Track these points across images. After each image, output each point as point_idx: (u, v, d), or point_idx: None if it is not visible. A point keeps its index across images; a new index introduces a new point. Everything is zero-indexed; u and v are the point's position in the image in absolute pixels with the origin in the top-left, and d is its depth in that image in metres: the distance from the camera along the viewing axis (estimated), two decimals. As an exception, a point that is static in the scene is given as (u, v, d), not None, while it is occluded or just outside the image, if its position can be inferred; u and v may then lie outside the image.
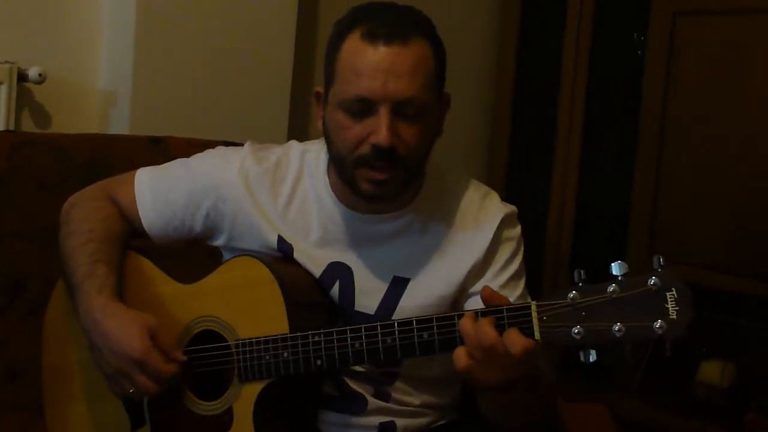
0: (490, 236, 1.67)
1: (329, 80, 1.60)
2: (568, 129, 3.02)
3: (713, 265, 2.64)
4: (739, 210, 2.61)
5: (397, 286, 1.67)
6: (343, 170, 1.61)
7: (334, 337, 1.54)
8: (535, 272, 2.98)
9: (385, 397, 1.69)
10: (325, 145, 1.66)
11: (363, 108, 1.54)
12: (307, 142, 1.77)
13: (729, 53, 2.63)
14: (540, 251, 3.03)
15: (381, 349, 1.51)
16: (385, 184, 1.57)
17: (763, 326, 2.65)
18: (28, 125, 2.43)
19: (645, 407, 2.62)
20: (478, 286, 1.65)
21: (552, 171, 3.06)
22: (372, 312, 1.66)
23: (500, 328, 1.41)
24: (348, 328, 1.54)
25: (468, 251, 1.66)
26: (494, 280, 1.66)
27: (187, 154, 1.81)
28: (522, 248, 1.71)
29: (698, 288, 2.46)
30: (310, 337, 1.55)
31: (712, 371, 2.65)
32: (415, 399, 1.71)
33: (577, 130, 3.00)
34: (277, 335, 1.57)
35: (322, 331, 1.55)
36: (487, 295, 1.46)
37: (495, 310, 1.44)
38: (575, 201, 3.02)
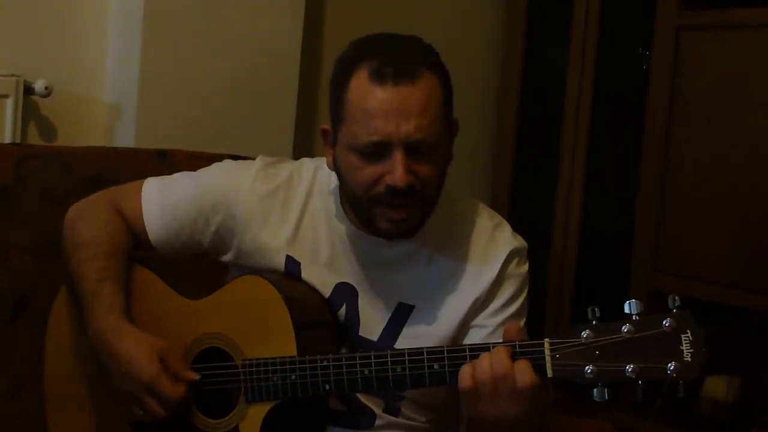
0: (496, 271, 1.65)
1: (338, 120, 1.59)
2: (573, 143, 3.02)
3: (718, 280, 2.63)
4: (744, 224, 2.60)
5: (401, 313, 1.66)
6: (360, 208, 1.60)
7: (343, 363, 1.53)
8: (539, 290, 2.98)
9: (395, 411, 1.68)
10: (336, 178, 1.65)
11: (376, 151, 1.53)
12: (319, 158, 1.75)
13: (733, 68, 2.63)
14: (544, 268, 3.02)
15: (391, 377, 1.50)
16: (404, 222, 1.57)
17: (768, 341, 2.64)
18: (34, 138, 2.43)
19: (649, 423, 2.61)
20: (477, 321, 1.65)
21: (556, 186, 3.05)
22: (375, 339, 1.66)
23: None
24: (357, 354, 1.53)
25: (473, 284, 1.65)
26: (494, 317, 1.64)
27: (193, 168, 1.80)
28: (527, 287, 1.69)
29: (703, 303, 2.49)
30: (319, 362, 1.54)
31: (716, 386, 2.63)
32: (423, 416, 1.70)
33: (581, 145, 3.00)
34: (285, 357, 1.56)
35: (330, 356, 1.54)
36: (510, 332, 1.46)
37: (507, 344, 1.43)
38: (580, 216, 3.02)
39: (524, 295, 1.68)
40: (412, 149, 1.53)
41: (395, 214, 1.56)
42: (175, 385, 1.57)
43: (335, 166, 1.62)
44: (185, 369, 1.60)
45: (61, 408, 1.77)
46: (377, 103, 1.52)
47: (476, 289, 1.64)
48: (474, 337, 1.63)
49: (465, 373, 1.42)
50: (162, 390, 1.55)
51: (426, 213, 1.61)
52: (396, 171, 1.51)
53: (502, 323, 1.63)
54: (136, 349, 1.57)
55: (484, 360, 1.41)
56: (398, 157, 1.52)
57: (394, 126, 1.51)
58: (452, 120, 1.63)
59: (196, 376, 1.59)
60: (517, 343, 1.43)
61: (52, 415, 1.78)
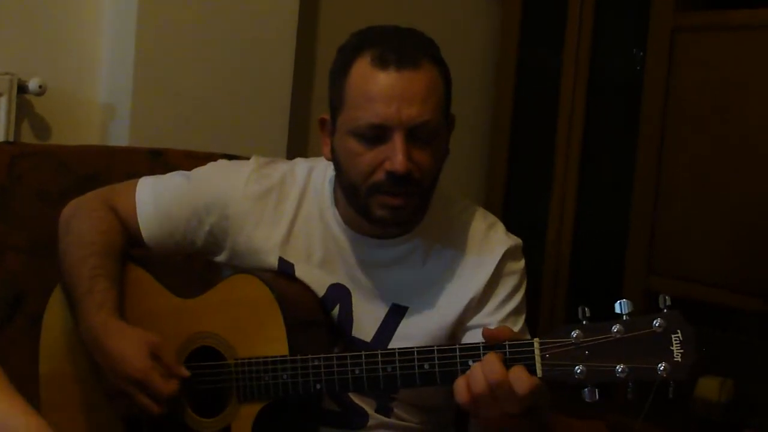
0: (492, 270, 1.64)
1: (337, 107, 1.58)
2: (567, 145, 3.02)
3: (712, 281, 2.63)
4: (738, 226, 2.61)
5: (395, 314, 1.65)
6: (356, 198, 1.58)
7: (334, 362, 1.52)
8: (534, 291, 2.97)
9: (387, 412, 1.68)
10: (333, 168, 1.64)
11: (376, 134, 1.52)
12: (313, 158, 1.75)
13: (728, 69, 2.63)
14: (538, 269, 3.02)
15: (381, 377, 1.50)
16: (401, 209, 1.56)
17: (762, 342, 2.64)
18: (28, 137, 2.42)
19: (642, 424, 2.62)
20: (476, 320, 1.64)
21: (551, 187, 3.05)
22: (368, 339, 1.66)
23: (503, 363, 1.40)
24: (348, 354, 1.53)
25: (468, 284, 1.64)
26: (493, 314, 1.64)
27: (187, 167, 1.80)
28: (524, 283, 1.68)
29: (697, 304, 2.48)
30: (310, 361, 1.54)
31: (710, 387, 2.64)
32: (415, 417, 1.70)
33: (575, 146, 3.00)
34: (276, 357, 1.56)
35: (321, 356, 1.54)
36: (488, 336, 1.44)
37: (497, 345, 1.42)
38: (574, 217, 3.02)
39: (523, 290, 1.68)
40: (413, 135, 1.52)
41: (393, 200, 1.55)
42: (167, 382, 1.56)
43: (333, 156, 1.61)
44: (177, 365, 1.59)
45: (55, 407, 1.76)
46: (379, 87, 1.52)
47: (471, 288, 1.64)
48: (477, 336, 1.62)
49: (460, 388, 1.40)
50: (154, 386, 1.55)
51: (421, 205, 1.61)
52: (396, 156, 1.51)
53: (504, 320, 1.63)
54: (127, 346, 1.56)
55: (477, 372, 1.39)
56: (398, 142, 1.51)
57: (395, 110, 1.50)
58: (450, 115, 1.63)
59: (187, 373, 1.59)
60: (507, 343, 1.42)
61: (47, 414, 1.76)
